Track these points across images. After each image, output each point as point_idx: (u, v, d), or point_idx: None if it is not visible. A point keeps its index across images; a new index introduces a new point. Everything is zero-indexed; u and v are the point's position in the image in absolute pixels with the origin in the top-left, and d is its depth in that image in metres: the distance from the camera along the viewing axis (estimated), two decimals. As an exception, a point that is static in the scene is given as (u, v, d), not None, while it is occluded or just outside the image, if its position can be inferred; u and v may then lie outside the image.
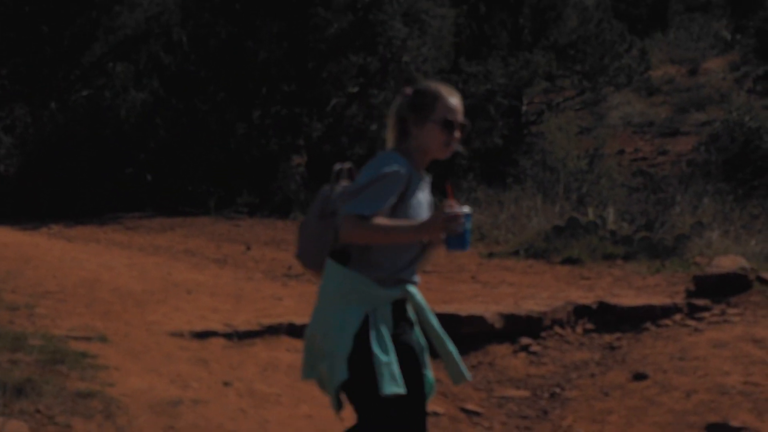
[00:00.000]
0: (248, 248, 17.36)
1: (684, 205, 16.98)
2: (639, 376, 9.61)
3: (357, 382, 5.26)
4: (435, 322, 5.54)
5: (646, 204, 17.70)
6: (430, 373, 5.62)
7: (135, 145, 25.37)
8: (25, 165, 25.35)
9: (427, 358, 5.59)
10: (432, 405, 5.98)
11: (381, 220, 5.22)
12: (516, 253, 15.46)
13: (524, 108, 32.09)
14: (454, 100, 5.42)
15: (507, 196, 19.14)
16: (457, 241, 5.31)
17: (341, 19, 25.54)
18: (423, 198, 5.46)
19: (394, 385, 5.22)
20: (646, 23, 54.49)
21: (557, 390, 9.71)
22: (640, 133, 39.42)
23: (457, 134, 5.42)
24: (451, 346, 5.55)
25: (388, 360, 5.24)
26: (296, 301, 11.90)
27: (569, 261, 14.65)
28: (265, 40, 25.32)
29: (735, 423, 8.12)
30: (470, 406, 8.94)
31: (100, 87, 30.36)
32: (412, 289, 5.50)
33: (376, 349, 5.25)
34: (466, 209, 5.29)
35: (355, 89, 26.30)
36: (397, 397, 5.22)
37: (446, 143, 5.40)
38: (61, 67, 30.64)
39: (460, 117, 5.41)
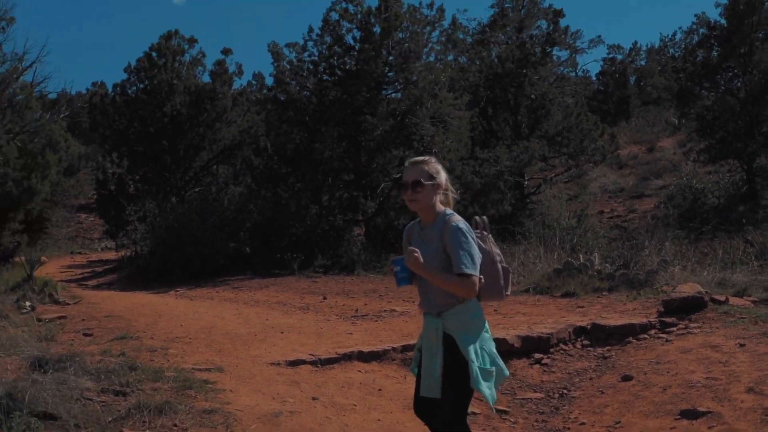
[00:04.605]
0: (324, 298, 17.32)
1: (651, 248, 16.81)
2: (626, 378, 9.48)
3: None
4: (429, 348, 5.52)
5: (622, 249, 17.57)
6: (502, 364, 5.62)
7: (236, 226, 25.48)
8: (155, 245, 25.55)
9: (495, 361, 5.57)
10: (470, 407, 5.88)
11: None
12: (527, 290, 15.34)
13: (526, 183, 32.07)
14: (408, 167, 5.53)
15: (517, 249, 19.02)
16: (396, 279, 5.47)
17: (385, 123, 25.64)
18: (415, 242, 5.55)
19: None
20: (613, 115, 54.58)
21: (564, 391, 9.59)
22: (614, 197, 39.29)
23: (408, 193, 5.45)
24: (432, 368, 5.46)
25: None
26: (363, 335, 11.86)
27: (567, 294, 14.53)
28: (329, 142, 25.42)
29: (702, 408, 8.00)
30: (499, 407, 8.83)
31: (207, 184, 30.85)
32: (429, 318, 5.55)
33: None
34: (397, 258, 5.45)
35: (398, 175, 26.29)
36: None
37: (407, 199, 5.50)
38: (178, 171, 31.02)
39: (409, 178, 5.45)
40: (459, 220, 5.44)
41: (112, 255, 33.33)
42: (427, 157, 5.59)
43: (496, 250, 5.68)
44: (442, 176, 5.53)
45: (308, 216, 25.55)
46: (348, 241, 25.64)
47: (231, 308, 15.67)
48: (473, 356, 5.40)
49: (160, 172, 30.89)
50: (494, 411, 5.82)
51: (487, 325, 5.60)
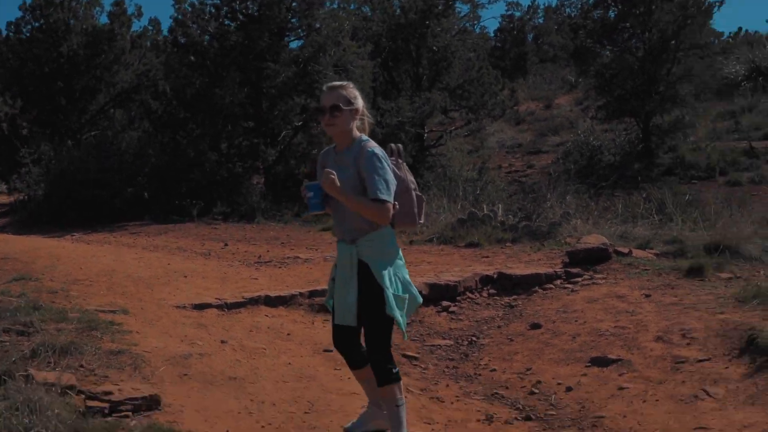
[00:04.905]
0: (226, 244, 17.13)
1: (553, 201, 16.95)
2: (534, 326, 9.54)
3: None
4: (342, 276, 5.53)
5: (524, 201, 17.70)
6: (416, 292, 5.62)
7: (133, 171, 25.08)
8: (50, 189, 25.03)
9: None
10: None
11: None
12: (430, 240, 15.36)
13: (426, 135, 32.06)
14: (326, 92, 5.52)
15: (419, 200, 19.01)
16: (308, 204, 5.46)
17: (287, 70, 25.39)
18: (330, 167, 5.43)
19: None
20: (510, 71, 54.89)
21: (473, 338, 9.61)
22: (512, 152, 39.51)
23: (326, 118, 5.44)
24: (346, 296, 5.48)
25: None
26: (268, 280, 11.76)
27: (471, 244, 14.58)
28: (230, 87, 25.06)
29: (612, 356, 8.08)
30: (410, 353, 8.83)
31: (104, 128, 30.22)
32: (342, 245, 5.56)
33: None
34: (310, 183, 5.43)
35: (299, 123, 26.15)
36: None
37: (324, 124, 5.50)
38: (74, 114, 30.37)
39: (327, 103, 5.43)
40: (374, 146, 5.44)
41: (3, 199, 32.50)
42: (345, 83, 5.60)
43: (411, 178, 5.71)
44: (360, 102, 5.54)
45: (207, 162, 25.20)
46: (248, 189, 25.44)
47: (131, 253, 15.37)
48: (387, 283, 5.40)
49: (56, 114, 30.20)
50: (405, 336, 5.81)
51: (400, 252, 5.61)
